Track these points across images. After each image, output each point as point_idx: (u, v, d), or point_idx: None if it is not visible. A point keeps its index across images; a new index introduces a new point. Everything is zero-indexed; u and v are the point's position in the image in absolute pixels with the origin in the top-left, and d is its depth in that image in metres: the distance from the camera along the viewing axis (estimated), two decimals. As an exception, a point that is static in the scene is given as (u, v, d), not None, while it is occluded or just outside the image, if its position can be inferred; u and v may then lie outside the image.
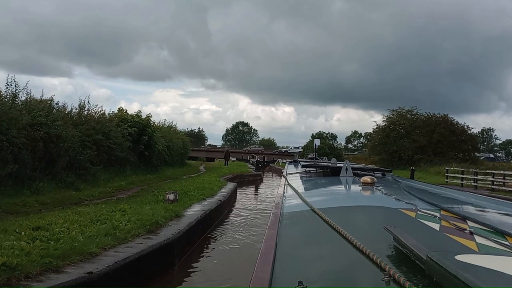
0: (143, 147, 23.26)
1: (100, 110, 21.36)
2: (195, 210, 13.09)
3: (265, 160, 71.15)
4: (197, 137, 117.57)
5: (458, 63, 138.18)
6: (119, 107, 24.95)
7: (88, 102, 20.20)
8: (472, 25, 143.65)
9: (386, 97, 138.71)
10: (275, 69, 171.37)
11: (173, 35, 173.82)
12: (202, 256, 10.83)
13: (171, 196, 13.94)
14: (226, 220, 16.04)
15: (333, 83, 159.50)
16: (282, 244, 3.56)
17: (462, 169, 34.70)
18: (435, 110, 58.13)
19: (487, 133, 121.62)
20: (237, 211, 18.96)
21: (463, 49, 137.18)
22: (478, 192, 23.85)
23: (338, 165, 11.32)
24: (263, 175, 47.38)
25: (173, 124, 37.91)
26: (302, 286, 2.31)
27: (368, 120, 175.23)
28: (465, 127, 55.51)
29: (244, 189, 29.76)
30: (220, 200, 16.32)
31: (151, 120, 25.26)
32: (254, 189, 31.68)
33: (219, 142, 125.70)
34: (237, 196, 24.33)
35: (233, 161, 61.39)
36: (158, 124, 34.45)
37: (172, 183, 20.70)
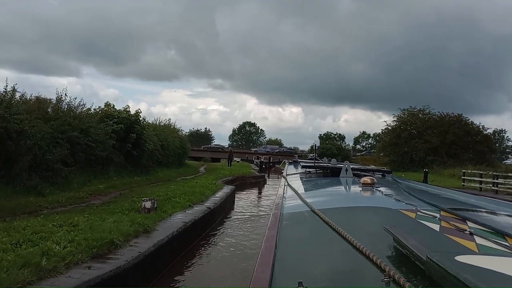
0: (130, 146, 20.94)
1: (81, 105, 19.09)
2: (173, 222, 10.77)
3: (271, 160, 68.75)
4: (203, 137, 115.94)
5: (467, 64, 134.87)
6: (105, 101, 22.64)
7: (65, 94, 17.92)
8: (481, 25, 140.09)
9: (394, 98, 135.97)
10: (282, 69, 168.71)
11: (181, 35, 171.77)
12: (172, 285, 8.50)
13: (148, 204, 11.70)
14: (216, 232, 13.69)
15: (341, 83, 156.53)
16: (282, 244, 3.50)
17: (481, 172, 32.10)
18: (444, 111, 55.24)
19: (498, 134, 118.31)
20: (232, 219, 16.63)
21: (472, 49, 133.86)
22: (499, 197, 21.55)
23: (338, 165, 11.07)
24: (269, 177, 45.02)
25: (171, 122, 35.62)
26: (302, 287, 2.22)
27: (376, 121, 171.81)
28: (480, 127, 52.89)
29: (244, 192, 27.42)
30: (209, 208, 13.98)
31: (140, 116, 22.90)
32: (256, 192, 29.26)
33: (226, 143, 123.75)
34: (235, 201, 22.03)
35: (238, 161, 59.34)
36: (154, 122, 32.37)
37: (159, 187, 18.38)
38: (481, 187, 29.57)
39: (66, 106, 18.00)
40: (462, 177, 33.29)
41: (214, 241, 12.51)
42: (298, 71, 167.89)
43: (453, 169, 42.26)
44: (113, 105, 22.24)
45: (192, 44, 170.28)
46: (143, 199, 11.97)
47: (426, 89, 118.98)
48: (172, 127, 35.88)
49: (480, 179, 30.59)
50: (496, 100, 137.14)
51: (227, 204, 18.59)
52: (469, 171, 34.73)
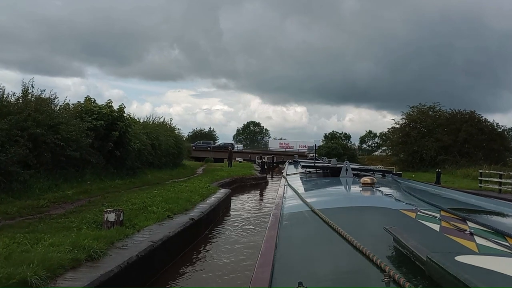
0: (112, 145, 18.60)
1: (53, 98, 16.70)
2: (137, 241, 8.38)
3: (274, 160, 66.26)
4: (207, 137, 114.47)
5: (473, 62, 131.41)
6: (86, 95, 20.23)
7: (32, 86, 15.52)
8: (487, 23, 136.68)
9: (400, 96, 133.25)
10: (287, 68, 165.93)
11: (184, 34, 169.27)
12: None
13: (111, 217, 9.39)
14: (197, 251, 11.16)
15: (346, 82, 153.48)
16: (282, 244, 3.50)
17: (500, 172, 29.52)
18: (455, 108, 52.67)
19: (508, 133, 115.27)
20: (223, 231, 14.18)
21: (478, 47, 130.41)
22: (502, 197, 19.42)
23: (338, 165, 10.92)
24: (272, 178, 42.57)
25: (165, 120, 33.31)
26: (302, 287, 2.21)
27: (381, 120, 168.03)
28: (494, 125, 50.26)
29: (243, 196, 25.01)
30: (193, 219, 11.60)
31: (125, 112, 20.46)
32: (256, 196, 26.79)
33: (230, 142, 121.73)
34: (231, 207, 19.65)
35: (240, 161, 57.13)
36: (147, 120, 30.10)
37: (141, 192, 15.83)
38: (500, 189, 27.11)
39: (34, 100, 15.65)
40: (479, 178, 30.79)
41: (193, 266, 10.03)
42: (303, 70, 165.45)
43: (466, 169, 39.84)
44: (94, 100, 19.88)
45: (196, 44, 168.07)
46: (105, 210, 9.61)
47: (431, 88, 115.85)
48: (167, 125, 33.65)
49: (500, 180, 28.09)
50: (503, 98, 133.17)
51: (220, 212, 16.21)
52: (487, 171, 32.17)
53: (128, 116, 20.82)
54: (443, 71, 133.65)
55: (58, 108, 17.30)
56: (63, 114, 16.11)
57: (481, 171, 31.96)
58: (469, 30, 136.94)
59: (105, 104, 19.83)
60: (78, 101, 19.65)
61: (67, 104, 18.86)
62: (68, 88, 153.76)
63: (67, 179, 15.16)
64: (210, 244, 12.02)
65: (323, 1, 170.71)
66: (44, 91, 16.11)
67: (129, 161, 20.45)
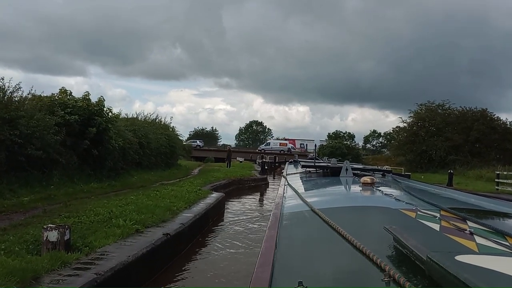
0: (88, 143, 16.30)
1: (15, 89, 14.33)
2: (76, 274, 6.06)
3: (276, 160, 63.95)
4: (209, 136, 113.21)
5: (477, 61, 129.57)
6: (61, 87, 17.91)
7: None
8: (492, 22, 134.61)
9: (403, 96, 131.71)
10: (289, 68, 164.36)
11: (187, 33, 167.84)
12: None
13: (53, 236, 7.12)
14: (168, 281, 8.78)
15: (349, 82, 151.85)
16: (282, 244, 3.44)
17: (521, 174, 27.18)
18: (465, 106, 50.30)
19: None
20: (209, 246, 11.79)
21: (482, 46, 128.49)
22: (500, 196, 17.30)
23: (338, 165, 10.65)
24: (274, 178, 40.24)
25: (158, 117, 31.13)
26: (302, 286, 2.17)
27: (384, 120, 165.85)
28: (508, 123, 47.83)
29: (239, 200, 22.67)
30: (168, 234, 9.23)
31: (104, 106, 18.12)
32: (255, 200, 24.41)
33: (233, 142, 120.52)
34: (225, 213, 17.36)
35: (240, 161, 54.99)
36: (135, 116, 27.90)
37: (115, 198, 13.39)
38: (520, 192, 24.74)
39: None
40: (496, 180, 28.43)
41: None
42: (305, 69, 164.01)
43: (479, 170, 37.46)
44: (70, 92, 17.59)
45: (199, 43, 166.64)
46: (45, 226, 7.29)
47: (435, 87, 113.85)
48: (161, 123, 31.46)
49: (520, 182, 25.76)
50: (507, 98, 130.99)
51: (209, 221, 13.88)
52: (504, 172, 29.76)
53: (108, 111, 18.49)
54: (447, 71, 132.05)
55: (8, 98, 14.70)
56: (24, 106, 13.72)
57: (498, 172, 29.61)
58: (473, 30, 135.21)
59: (83, 96, 17.53)
60: (52, 93, 17.40)
61: (39, 97, 16.62)
62: (71, 87, 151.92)
63: (29, 183, 12.87)
64: (188, 267, 9.63)
65: (326, 0, 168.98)
66: (3, 79, 13.80)
67: (109, 161, 18.13)
